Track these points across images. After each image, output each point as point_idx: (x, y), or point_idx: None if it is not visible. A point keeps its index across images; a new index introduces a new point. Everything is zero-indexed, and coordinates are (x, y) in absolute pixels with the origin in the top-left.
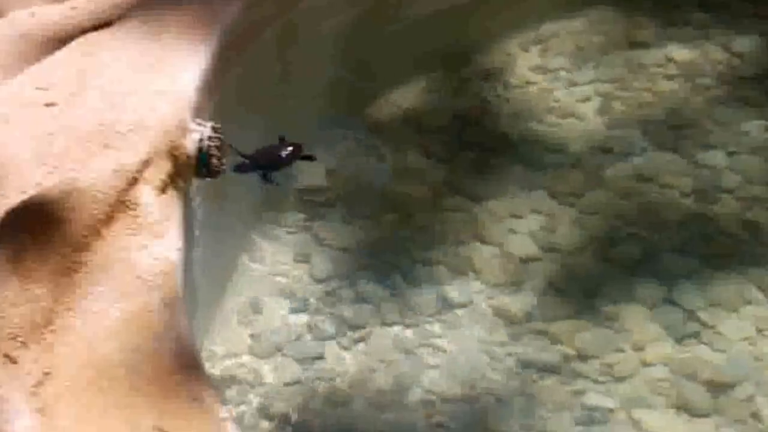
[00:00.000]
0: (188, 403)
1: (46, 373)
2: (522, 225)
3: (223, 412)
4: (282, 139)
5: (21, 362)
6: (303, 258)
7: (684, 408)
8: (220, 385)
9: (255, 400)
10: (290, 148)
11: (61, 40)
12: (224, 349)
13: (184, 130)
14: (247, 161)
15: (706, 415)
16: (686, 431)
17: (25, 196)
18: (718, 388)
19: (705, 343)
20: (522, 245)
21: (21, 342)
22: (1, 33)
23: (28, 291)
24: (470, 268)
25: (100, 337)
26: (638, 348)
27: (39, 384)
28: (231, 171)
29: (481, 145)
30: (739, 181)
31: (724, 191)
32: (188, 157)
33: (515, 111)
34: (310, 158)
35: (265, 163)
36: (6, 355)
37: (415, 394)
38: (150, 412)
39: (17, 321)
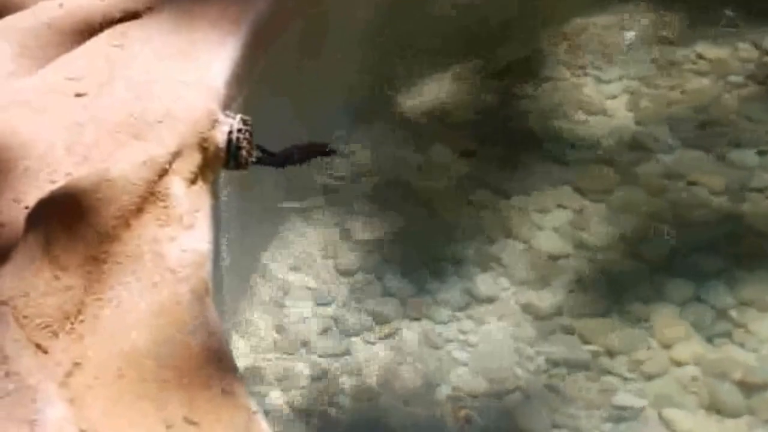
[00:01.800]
0: (218, 396)
1: (76, 364)
2: (550, 221)
3: (253, 405)
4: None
5: (51, 352)
6: (329, 252)
7: (715, 408)
8: (246, 379)
9: (281, 394)
10: (309, 147)
11: (89, 30)
12: (250, 342)
13: (213, 122)
14: (269, 160)
15: (737, 416)
16: (718, 431)
17: (55, 186)
18: (750, 388)
19: (736, 343)
20: (550, 241)
21: (52, 332)
22: (30, 23)
23: (59, 281)
24: (498, 263)
25: (130, 329)
26: (668, 346)
27: (69, 374)
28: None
29: (508, 141)
30: None
31: (755, 190)
32: (218, 148)
33: (543, 106)
34: (332, 152)
35: (289, 162)
36: (37, 345)
37: (443, 390)
38: (180, 404)
39: (48, 311)
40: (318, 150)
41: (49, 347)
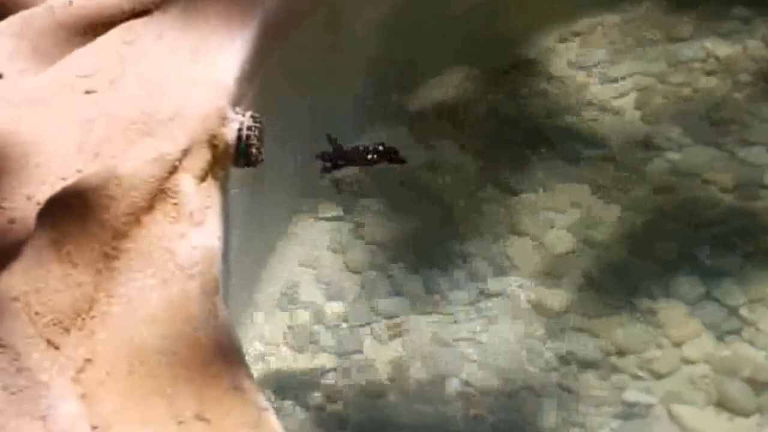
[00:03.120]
0: (229, 392)
1: (88, 360)
2: (560, 219)
3: (264, 402)
4: (382, 145)
5: (63, 348)
6: (339, 248)
7: (725, 406)
8: (257, 375)
9: (291, 390)
10: (380, 150)
11: (100, 27)
12: (261, 338)
13: (223, 119)
14: (334, 153)
15: (748, 414)
16: (728, 430)
17: (66, 183)
18: (760, 386)
19: (746, 341)
20: (560, 239)
21: (63, 328)
22: (40, 20)
23: (70, 277)
24: (507, 261)
25: (140, 325)
26: (678, 344)
27: (80, 370)
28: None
29: (518, 138)
30: None
31: (766, 187)
32: (228, 146)
33: (553, 104)
34: (402, 161)
35: (352, 160)
36: (49, 341)
37: (453, 387)
38: (190, 400)
39: (59, 307)
40: (390, 156)
41: (61, 343)
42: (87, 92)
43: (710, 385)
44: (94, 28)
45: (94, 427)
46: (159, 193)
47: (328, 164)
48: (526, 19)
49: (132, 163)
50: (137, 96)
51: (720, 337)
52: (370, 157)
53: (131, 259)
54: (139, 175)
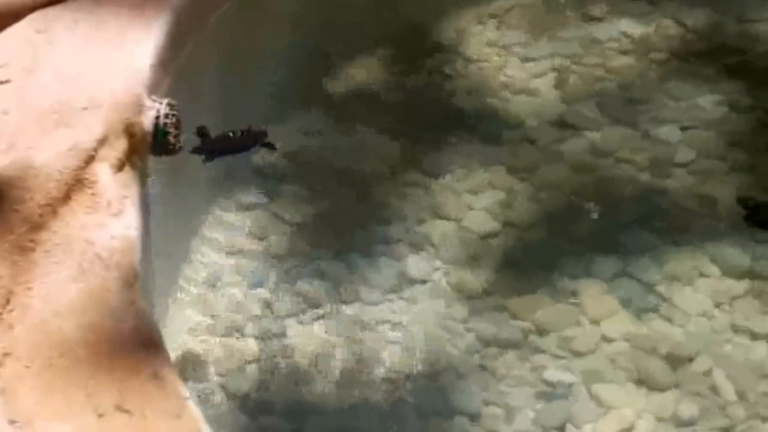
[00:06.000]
0: (149, 382)
1: (6, 354)
2: (480, 200)
3: (184, 391)
4: (250, 128)
5: None
6: (260, 235)
7: (643, 382)
8: (180, 364)
9: (215, 378)
10: (250, 135)
11: (13, 15)
12: (183, 327)
13: (139, 107)
14: (204, 146)
15: (665, 389)
16: (646, 405)
17: None
18: (676, 361)
19: (663, 317)
20: (480, 221)
21: None
22: None
23: None
24: (429, 244)
25: (60, 317)
26: (596, 322)
27: None
28: (188, 151)
29: (437, 121)
30: (694, 156)
31: (679, 165)
32: (145, 134)
33: (471, 86)
34: (271, 146)
35: (223, 149)
36: None
37: (377, 371)
38: (111, 391)
39: None
40: (256, 138)
41: None
42: (1, 82)
43: (629, 362)
44: (6, 15)
45: (13, 422)
46: (76, 184)
47: (202, 157)
48: (443, 2)
49: (47, 153)
50: (52, 85)
51: (638, 315)
52: (239, 142)
53: (49, 250)
54: (55, 166)
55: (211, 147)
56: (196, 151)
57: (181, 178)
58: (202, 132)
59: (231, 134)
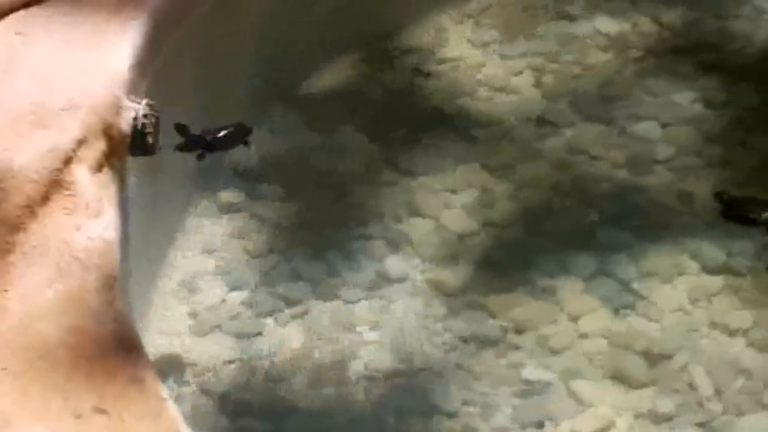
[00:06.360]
0: (128, 384)
1: None
2: (457, 199)
3: (164, 392)
4: (239, 125)
5: None
6: (239, 235)
7: (621, 379)
8: (159, 365)
9: (194, 379)
10: (244, 130)
11: None
12: (162, 328)
13: (118, 108)
14: (188, 141)
15: (643, 386)
16: (624, 402)
17: None
18: (654, 358)
19: (640, 314)
20: (457, 219)
21: None
22: None
23: None
24: (406, 242)
25: (38, 319)
26: (574, 319)
27: None
28: (173, 150)
29: (414, 120)
30: (672, 152)
31: (657, 162)
32: (123, 135)
33: (448, 85)
34: (247, 144)
35: (212, 145)
36: None
37: (355, 370)
38: (90, 394)
39: None
40: (246, 134)
41: None
42: None
43: (606, 359)
44: None
45: None
46: (54, 185)
47: (187, 152)
48: (421, 1)
49: (25, 155)
50: (29, 87)
51: (615, 312)
52: (221, 139)
53: (27, 252)
54: (32, 167)
55: (193, 144)
56: (181, 148)
57: (159, 179)
58: (181, 129)
59: (213, 129)
